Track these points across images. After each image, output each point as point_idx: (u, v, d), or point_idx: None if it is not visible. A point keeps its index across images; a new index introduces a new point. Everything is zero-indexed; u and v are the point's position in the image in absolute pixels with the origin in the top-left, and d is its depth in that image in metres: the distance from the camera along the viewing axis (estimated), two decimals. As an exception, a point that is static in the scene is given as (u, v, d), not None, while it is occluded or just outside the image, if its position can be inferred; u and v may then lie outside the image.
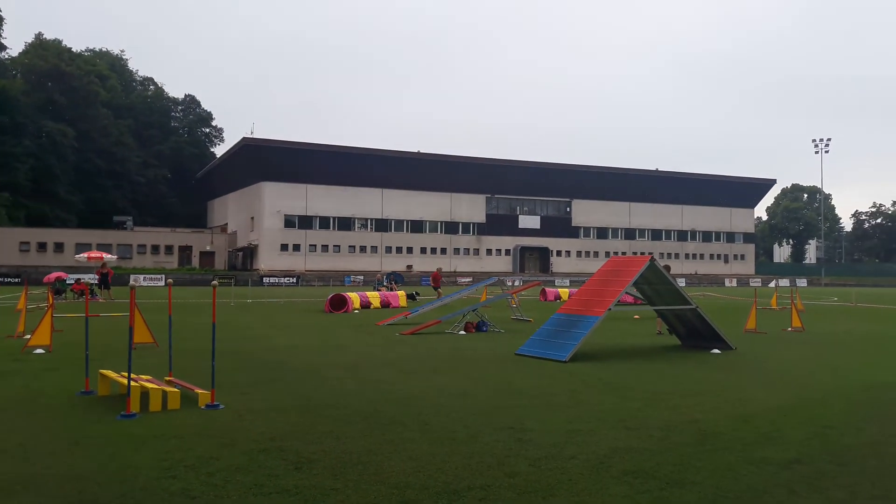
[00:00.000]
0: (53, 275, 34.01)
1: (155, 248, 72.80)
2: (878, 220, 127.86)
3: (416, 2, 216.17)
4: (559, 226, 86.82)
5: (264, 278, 63.78)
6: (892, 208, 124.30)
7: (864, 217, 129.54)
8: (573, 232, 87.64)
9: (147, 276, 59.88)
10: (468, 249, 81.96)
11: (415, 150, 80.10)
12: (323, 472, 5.50)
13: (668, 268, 18.14)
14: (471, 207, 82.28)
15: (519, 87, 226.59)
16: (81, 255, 53.35)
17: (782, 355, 13.46)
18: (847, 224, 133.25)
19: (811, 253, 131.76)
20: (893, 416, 7.88)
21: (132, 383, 7.61)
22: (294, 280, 65.28)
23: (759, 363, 12.26)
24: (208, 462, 5.76)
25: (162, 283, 56.50)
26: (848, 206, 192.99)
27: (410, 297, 30.37)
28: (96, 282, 33.59)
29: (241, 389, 9.05)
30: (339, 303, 25.63)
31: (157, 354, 11.95)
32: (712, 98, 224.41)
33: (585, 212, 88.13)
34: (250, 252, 75.36)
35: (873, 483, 5.42)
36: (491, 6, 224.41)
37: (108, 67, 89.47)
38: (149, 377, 8.70)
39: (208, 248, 76.37)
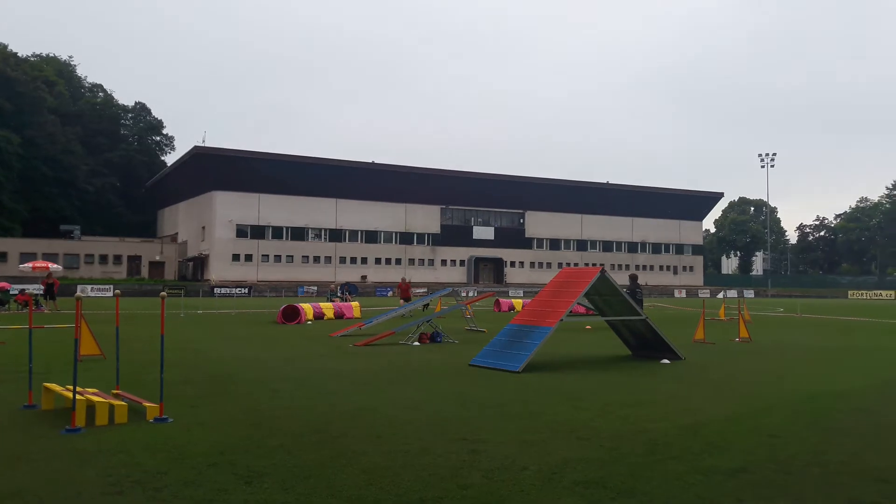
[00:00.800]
0: (-4, 285, 33.03)
1: (103, 258, 71.27)
2: (822, 233, 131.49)
3: (369, 13, 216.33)
4: (513, 237, 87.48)
5: (215, 289, 62.90)
6: (834, 222, 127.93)
7: (808, 230, 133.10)
8: (527, 243, 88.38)
9: (95, 286, 58.62)
10: (423, 260, 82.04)
11: (369, 159, 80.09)
12: (273, 487, 5.44)
13: (635, 277, 18.44)
14: (425, 218, 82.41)
15: (473, 100, 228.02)
16: (26, 264, 51.96)
17: (730, 365, 13.71)
18: (792, 237, 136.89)
19: (758, 265, 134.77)
20: (836, 424, 8.08)
21: (78, 397, 7.43)
22: (246, 291, 64.52)
23: (707, 373, 12.47)
24: (156, 477, 5.65)
25: (110, 294, 55.37)
26: (793, 219, 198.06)
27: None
28: (41, 292, 32.78)
29: (191, 402, 8.90)
30: (292, 314, 25.40)
31: (105, 367, 11.69)
32: (661, 112, 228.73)
33: (538, 223, 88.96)
34: (201, 262, 74.30)
35: (817, 491, 5.54)
36: (443, 20, 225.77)
37: (56, 73, 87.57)
38: (95, 390, 8.50)
39: (158, 258, 75.03)
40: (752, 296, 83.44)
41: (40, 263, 50.36)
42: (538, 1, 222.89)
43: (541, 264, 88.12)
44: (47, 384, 8.57)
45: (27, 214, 75.58)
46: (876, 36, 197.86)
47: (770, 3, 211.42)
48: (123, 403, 7.87)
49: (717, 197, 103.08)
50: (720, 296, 70.55)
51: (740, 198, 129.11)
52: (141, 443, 6.77)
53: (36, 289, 40.12)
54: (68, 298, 35.58)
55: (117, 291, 10.83)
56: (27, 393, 8.72)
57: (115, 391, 8.76)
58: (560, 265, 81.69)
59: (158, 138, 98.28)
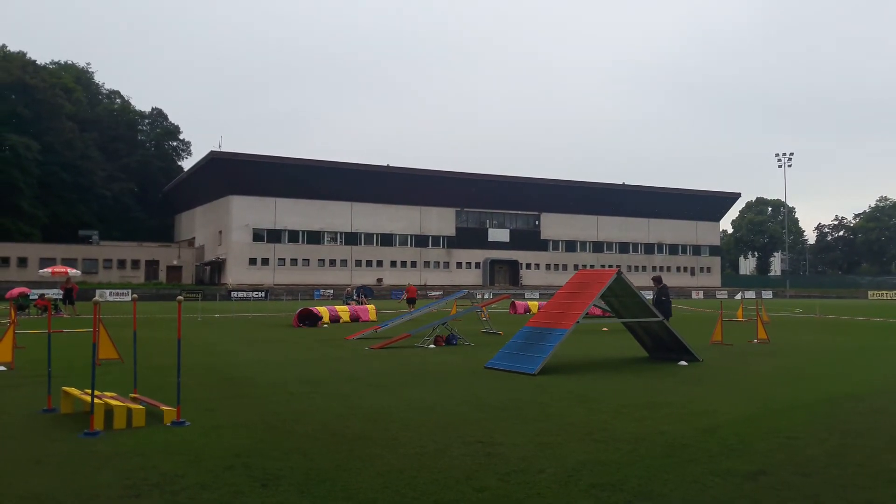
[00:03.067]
0: (16, 290, 33.36)
1: (121, 263, 71.79)
2: (841, 233, 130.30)
3: (385, 16, 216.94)
4: (528, 239, 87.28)
5: (232, 293, 63.15)
6: (853, 221, 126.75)
7: (826, 230, 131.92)
8: (542, 245, 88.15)
9: (113, 290, 59.03)
10: (438, 263, 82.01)
11: (384, 163, 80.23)
12: (290, 489, 5.45)
13: (658, 279, 18.39)
14: (440, 221, 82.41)
15: (487, 102, 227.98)
16: (45, 269, 52.44)
17: (748, 367, 13.61)
18: (811, 237, 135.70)
19: (776, 265, 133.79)
20: (855, 426, 8.01)
21: (96, 400, 7.48)
22: (262, 294, 64.74)
23: (725, 375, 12.39)
24: (173, 480, 5.68)
25: (128, 298, 55.74)
26: (811, 219, 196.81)
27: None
28: (60, 297, 33.06)
29: (208, 406, 8.95)
30: (308, 317, 25.48)
31: (122, 370, 11.77)
32: (678, 113, 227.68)
33: (554, 225, 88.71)
34: (218, 266, 74.66)
35: (836, 493, 5.49)
36: (458, 22, 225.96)
37: (74, 80, 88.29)
38: (113, 394, 8.57)
39: (175, 262, 75.51)
40: (771, 297, 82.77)
41: (59, 268, 50.80)
42: (548, 3, 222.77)
43: (556, 266, 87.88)
44: (66, 388, 8.64)
45: (46, 220, 76.26)
46: (894, 33, 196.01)
47: (790, 2, 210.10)
48: (141, 407, 7.93)
49: (734, 197, 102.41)
50: (738, 297, 70.10)
51: (758, 198, 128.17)
52: (158, 446, 6.82)
53: (55, 294, 40.49)
54: (87, 303, 35.91)
55: (135, 296, 10.95)
56: (46, 397, 8.80)
57: (132, 395, 8.82)
58: (576, 267, 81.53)
59: (175, 143, 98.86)
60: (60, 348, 14.77)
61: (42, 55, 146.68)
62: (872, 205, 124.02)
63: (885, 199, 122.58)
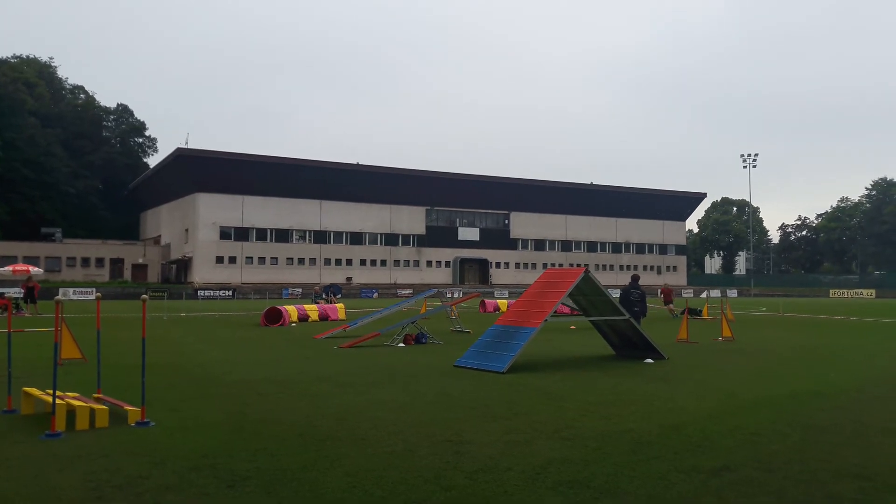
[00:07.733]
0: (-25, 289, 32.72)
1: (85, 261, 70.74)
2: (804, 233, 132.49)
3: (352, 13, 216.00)
4: (498, 238, 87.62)
5: (199, 291, 62.51)
6: (816, 221, 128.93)
7: (790, 230, 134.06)
8: (511, 244, 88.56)
9: (77, 289, 58.16)
10: (408, 261, 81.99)
11: (354, 161, 79.96)
12: (257, 490, 5.41)
13: (636, 277, 18.61)
14: (411, 219, 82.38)
15: (457, 101, 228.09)
16: (6, 268, 51.40)
17: (712, 364, 13.78)
18: (774, 236, 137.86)
19: (741, 264, 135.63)
20: (817, 422, 8.14)
21: (58, 401, 7.35)
22: (230, 293, 64.16)
23: (690, 372, 12.52)
24: (137, 482, 5.60)
25: (92, 297, 54.91)
26: (775, 218, 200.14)
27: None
28: (22, 296, 32.49)
29: (173, 406, 8.85)
30: (275, 316, 25.29)
31: (86, 370, 11.58)
32: (644, 113, 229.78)
33: (523, 224, 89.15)
34: (184, 265, 73.85)
35: (799, 488, 5.57)
36: (432, 23, 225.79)
37: (36, 74, 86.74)
38: (76, 394, 8.42)
39: (141, 260, 74.58)
40: (735, 295, 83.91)
41: (21, 266, 49.81)
42: (521, 2, 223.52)
43: (526, 265, 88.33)
44: (27, 388, 8.49)
45: (7, 217, 74.76)
46: (855, 38, 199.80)
47: (752, 4, 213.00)
48: (104, 407, 7.81)
49: (700, 197, 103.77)
50: (703, 295, 70.91)
51: (723, 198, 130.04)
52: (122, 447, 6.71)
53: (16, 292, 39.75)
54: (49, 302, 35.26)
55: (99, 294, 10.77)
56: (6, 397, 8.63)
57: (96, 395, 8.68)
58: (545, 265, 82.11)
59: (141, 140, 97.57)
60: (21, 348, 14.49)
61: (3, 49, 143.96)
62: (834, 205, 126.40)
63: (847, 199, 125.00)
